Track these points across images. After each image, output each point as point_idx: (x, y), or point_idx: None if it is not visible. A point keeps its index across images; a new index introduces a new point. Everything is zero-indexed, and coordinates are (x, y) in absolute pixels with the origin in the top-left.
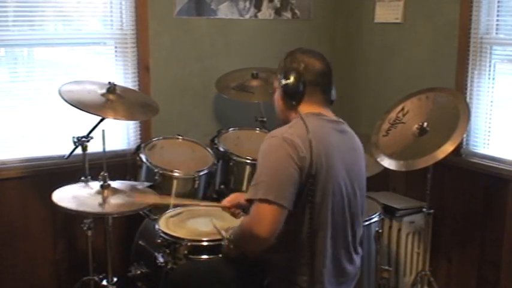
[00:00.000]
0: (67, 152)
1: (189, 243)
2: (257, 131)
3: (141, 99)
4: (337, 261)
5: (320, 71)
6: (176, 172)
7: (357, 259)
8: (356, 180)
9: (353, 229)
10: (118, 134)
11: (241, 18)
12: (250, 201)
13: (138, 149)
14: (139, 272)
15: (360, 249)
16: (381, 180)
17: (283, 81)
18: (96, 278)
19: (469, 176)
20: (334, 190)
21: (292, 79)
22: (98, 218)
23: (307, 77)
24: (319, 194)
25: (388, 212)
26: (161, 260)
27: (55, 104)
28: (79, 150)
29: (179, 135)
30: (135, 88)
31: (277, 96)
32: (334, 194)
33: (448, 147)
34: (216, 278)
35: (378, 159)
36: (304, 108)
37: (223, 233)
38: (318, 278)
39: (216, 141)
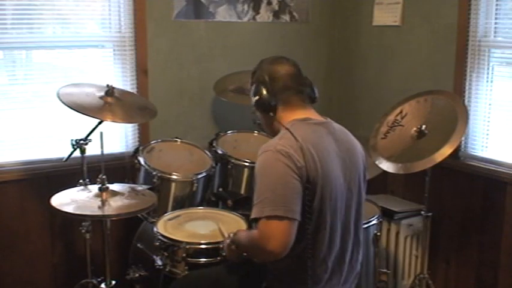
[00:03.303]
0: (65, 155)
1: (187, 246)
2: (255, 134)
3: (139, 102)
4: (337, 264)
5: (286, 74)
6: (174, 175)
7: (357, 262)
8: (354, 179)
9: (355, 230)
10: (116, 137)
11: (240, 21)
12: (255, 220)
13: (136, 151)
14: (137, 275)
15: (360, 252)
16: (379, 183)
17: (254, 99)
18: (94, 281)
19: (467, 178)
20: (332, 195)
21: (261, 93)
22: (96, 221)
23: (275, 86)
24: (317, 201)
25: (387, 214)
26: (159, 262)
27: (53, 106)
28: (77, 153)
29: (177, 138)
30: (134, 91)
31: (256, 113)
32: (331, 198)
33: (446, 150)
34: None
35: (376, 162)
36: (288, 115)
37: (226, 234)
38: (317, 282)
39: (214, 144)
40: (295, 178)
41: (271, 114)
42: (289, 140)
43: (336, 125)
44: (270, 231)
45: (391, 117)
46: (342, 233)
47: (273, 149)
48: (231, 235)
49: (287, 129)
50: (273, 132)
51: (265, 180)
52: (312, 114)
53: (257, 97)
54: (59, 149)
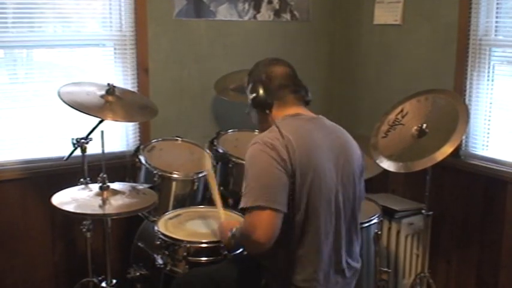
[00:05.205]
0: (66, 154)
1: (188, 245)
2: (256, 133)
3: (140, 100)
4: (334, 260)
5: (283, 74)
6: (175, 174)
7: (355, 258)
8: (347, 173)
9: (351, 225)
10: (117, 136)
11: (240, 19)
12: (243, 210)
13: (137, 150)
14: (138, 273)
15: (357, 248)
16: (380, 182)
17: (251, 96)
18: (95, 280)
19: (468, 177)
20: (322, 187)
21: (258, 91)
22: (97, 220)
23: (271, 84)
24: (305, 194)
25: (387, 213)
26: (160, 261)
27: (54, 105)
28: (78, 152)
29: (178, 137)
30: (134, 90)
31: (251, 111)
32: (322, 191)
33: (447, 149)
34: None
35: (377, 161)
36: (281, 112)
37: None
38: (311, 277)
39: (215, 143)
40: (279, 170)
41: (267, 111)
42: (276, 134)
43: (328, 122)
44: (254, 221)
45: (391, 116)
46: (337, 227)
47: (260, 141)
48: (233, 230)
49: (276, 125)
50: (265, 130)
51: (251, 171)
52: (304, 111)
53: (254, 95)
54: (59, 148)
